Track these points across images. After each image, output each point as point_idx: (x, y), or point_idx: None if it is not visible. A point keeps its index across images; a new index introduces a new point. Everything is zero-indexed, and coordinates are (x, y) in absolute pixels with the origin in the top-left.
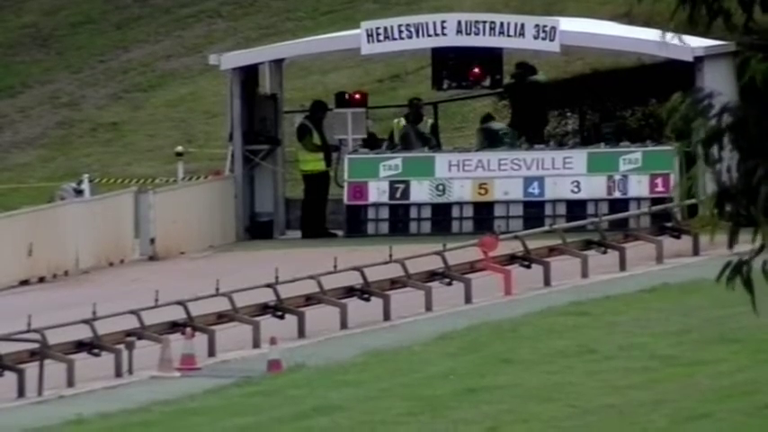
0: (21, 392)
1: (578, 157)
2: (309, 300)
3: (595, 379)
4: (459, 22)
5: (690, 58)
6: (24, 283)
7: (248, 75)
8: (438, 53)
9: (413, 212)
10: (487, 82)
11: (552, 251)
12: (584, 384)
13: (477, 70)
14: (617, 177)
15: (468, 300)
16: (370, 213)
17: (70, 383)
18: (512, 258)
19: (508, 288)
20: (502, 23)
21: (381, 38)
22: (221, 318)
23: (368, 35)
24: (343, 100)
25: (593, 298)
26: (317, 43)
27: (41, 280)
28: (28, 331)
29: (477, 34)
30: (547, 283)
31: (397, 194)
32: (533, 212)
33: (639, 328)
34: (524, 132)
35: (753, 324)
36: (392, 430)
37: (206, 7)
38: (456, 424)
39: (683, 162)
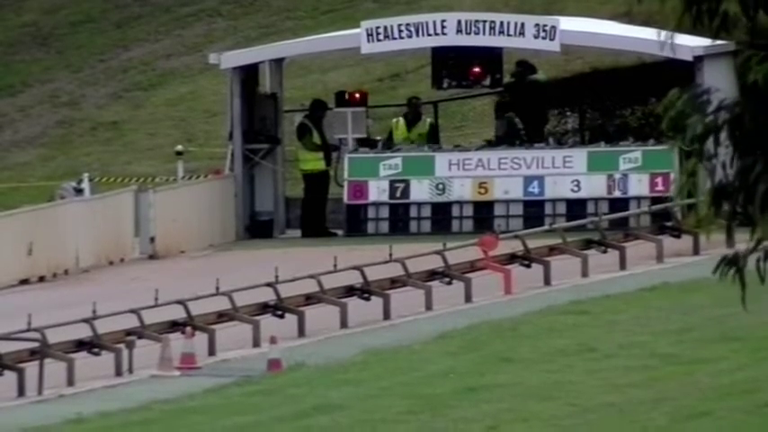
0: (21, 391)
1: (578, 156)
2: (309, 299)
3: (595, 377)
4: (459, 22)
5: (689, 58)
6: (24, 282)
7: (248, 74)
8: (438, 52)
9: (413, 212)
10: (487, 81)
11: (552, 250)
12: (584, 383)
13: (477, 69)
14: (617, 176)
15: (468, 299)
16: (370, 212)
17: (70, 382)
18: (512, 257)
19: (508, 287)
20: (502, 23)
21: (381, 37)
22: (221, 317)
23: (368, 34)
24: (343, 99)
25: (594, 297)
26: (317, 42)
27: (41, 279)
28: (28, 330)
29: (477, 33)
30: (547, 282)
31: (397, 194)
32: (533, 212)
33: (639, 326)
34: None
35: (753, 322)
36: (392, 429)
37: (206, 6)
38: (456, 422)
39: (682, 158)
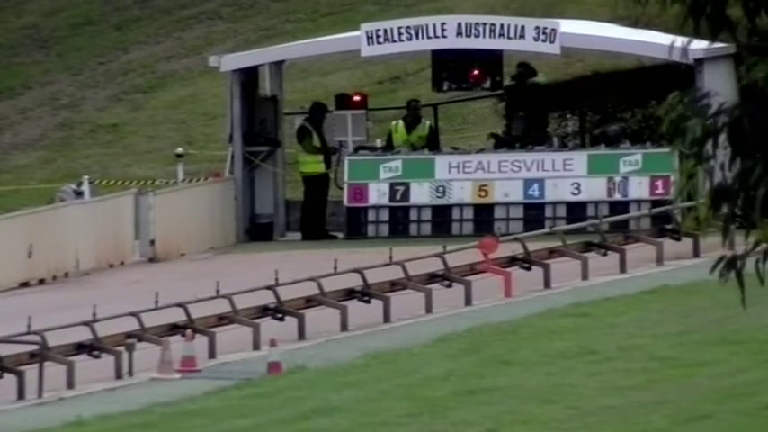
0: (21, 394)
1: (578, 159)
2: (309, 301)
3: (596, 380)
4: (459, 24)
5: (690, 61)
6: (24, 284)
7: (248, 76)
8: (438, 55)
9: (413, 214)
10: (487, 84)
11: (552, 253)
12: (584, 386)
13: (477, 72)
14: (617, 179)
15: (468, 302)
16: (370, 215)
17: (70, 385)
18: (512, 260)
19: (508, 290)
20: (502, 25)
21: (381, 40)
22: (221, 319)
23: (368, 37)
24: (342, 102)
25: (594, 299)
26: (317, 45)
27: (41, 282)
28: (28, 333)
29: (477, 36)
30: (547, 284)
31: (397, 196)
32: (533, 214)
33: (640, 329)
34: (526, 134)
35: (753, 325)
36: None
37: (206, 9)
38: (456, 425)
39: (682, 162)
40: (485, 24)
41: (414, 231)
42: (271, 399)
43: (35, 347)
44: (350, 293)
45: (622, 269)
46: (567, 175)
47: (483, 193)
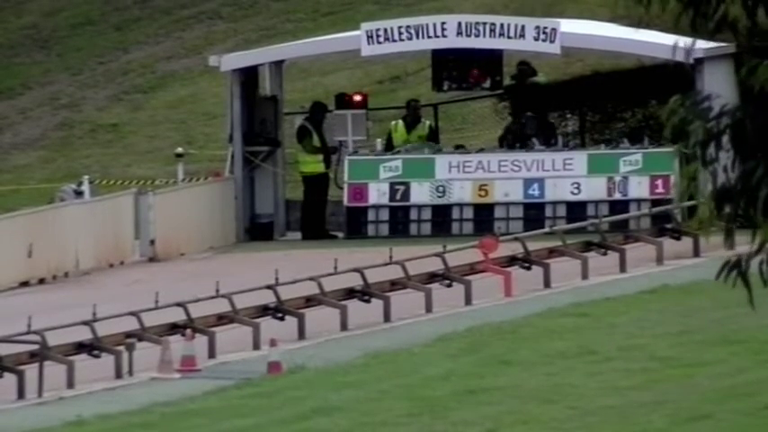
0: (21, 394)
1: (578, 159)
2: (309, 301)
3: (595, 380)
4: (460, 24)
5: (690, 61)
6: (24, 284)
7: (248, 76)
8: (438, 55)
9: (413, 214)
10: (488, 83)
11: (552, 253)
12: (584, 385)
13: (477, 72)
14: (617, 179)
15: (468, 301)
16: (370, 215)
17: (70, 385)
18: (512, 260)
19: (508, 290)
20: (502, 25)
21: (381, 39)
22: (221, 319)
23: (368, 36)
24: (343, 101)
25: (594, 299)
26: (317, 44)
27: (41, 281)
28: (28, 333)
29: (477, 36)
30: (547, 284)
31: (398, 196)
32: (533, 214)
33: (640, 329)
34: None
35: (753, 325)
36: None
37: (206, 8)
38: (456, 425)
39: (683, 162)
40: (485, 24)
41: (414, 231)
42: (271, 399)
43: (35, 347)
44: (350, 293)
45: (622, 269)
46: (567, 174)
47: (483, 193)
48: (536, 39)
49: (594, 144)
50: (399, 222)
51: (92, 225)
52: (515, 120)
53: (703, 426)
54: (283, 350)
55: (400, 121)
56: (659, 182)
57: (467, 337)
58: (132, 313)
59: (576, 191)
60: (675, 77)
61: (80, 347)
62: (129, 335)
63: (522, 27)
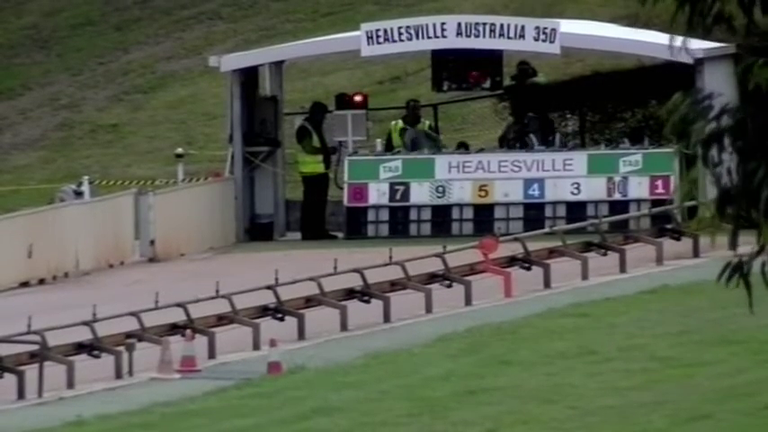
0: (21, 394)
1: (578, 159)
2: (309, 301)
3: (595, 380)
4: (459, 24)
5: (690, 60)
6: (24, 284)
7: (248, 76)
8: (438, 55)
9: (413, 214)
10: (487, 84)
11: (552, 253)
12: (584, 386)
13: (477, 72)
14: (617, 179)
15: (468, 302)
16: (370, 215)
17: (70, 385)
18: (512, 260)
19: (508, 290)
20: (502, 25)
21: (381, 40)
22: (221, 319)
23: (368, 37)
24: (343, 102)
25: (594, 299)
26: (317, 45)
27: (41, 281)
28: (28, 333)
29: (477, 36)
30: (547, 284)
31: (397, 196)
32: (533, 214)
33: (639, 329)
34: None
35: (753, 325)
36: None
37: (206, 9)
38: (456, 425)
39: (683, 163)
40: (485, 24)
41: (414, 231)
42: (271, 399)
43: (35, 347)
44: (350, 293)
45: (622, 269)
46: (567, 174)
47: (483, 193)
48: (536, 39)
49: (594, 144)
50: (399, 223)
51: (92, 225)
52: (517, 120)
53: (703, 426)
54: (283, 350)
55: (400, 121)
56: (659, 182)
57: (467, 338)
58: (132, 313)
59: (575, 191)
60: (675, 77)
61: (80, 348)
62: (129, 335)
63: (522, 27)
